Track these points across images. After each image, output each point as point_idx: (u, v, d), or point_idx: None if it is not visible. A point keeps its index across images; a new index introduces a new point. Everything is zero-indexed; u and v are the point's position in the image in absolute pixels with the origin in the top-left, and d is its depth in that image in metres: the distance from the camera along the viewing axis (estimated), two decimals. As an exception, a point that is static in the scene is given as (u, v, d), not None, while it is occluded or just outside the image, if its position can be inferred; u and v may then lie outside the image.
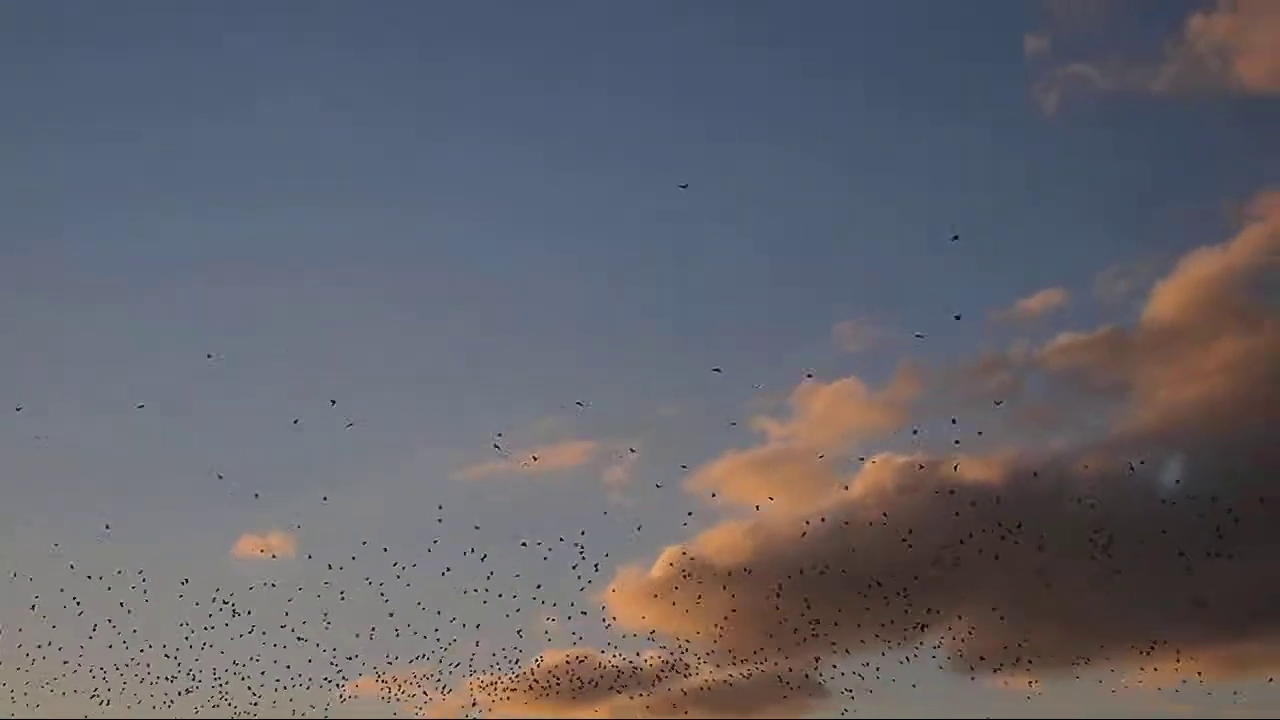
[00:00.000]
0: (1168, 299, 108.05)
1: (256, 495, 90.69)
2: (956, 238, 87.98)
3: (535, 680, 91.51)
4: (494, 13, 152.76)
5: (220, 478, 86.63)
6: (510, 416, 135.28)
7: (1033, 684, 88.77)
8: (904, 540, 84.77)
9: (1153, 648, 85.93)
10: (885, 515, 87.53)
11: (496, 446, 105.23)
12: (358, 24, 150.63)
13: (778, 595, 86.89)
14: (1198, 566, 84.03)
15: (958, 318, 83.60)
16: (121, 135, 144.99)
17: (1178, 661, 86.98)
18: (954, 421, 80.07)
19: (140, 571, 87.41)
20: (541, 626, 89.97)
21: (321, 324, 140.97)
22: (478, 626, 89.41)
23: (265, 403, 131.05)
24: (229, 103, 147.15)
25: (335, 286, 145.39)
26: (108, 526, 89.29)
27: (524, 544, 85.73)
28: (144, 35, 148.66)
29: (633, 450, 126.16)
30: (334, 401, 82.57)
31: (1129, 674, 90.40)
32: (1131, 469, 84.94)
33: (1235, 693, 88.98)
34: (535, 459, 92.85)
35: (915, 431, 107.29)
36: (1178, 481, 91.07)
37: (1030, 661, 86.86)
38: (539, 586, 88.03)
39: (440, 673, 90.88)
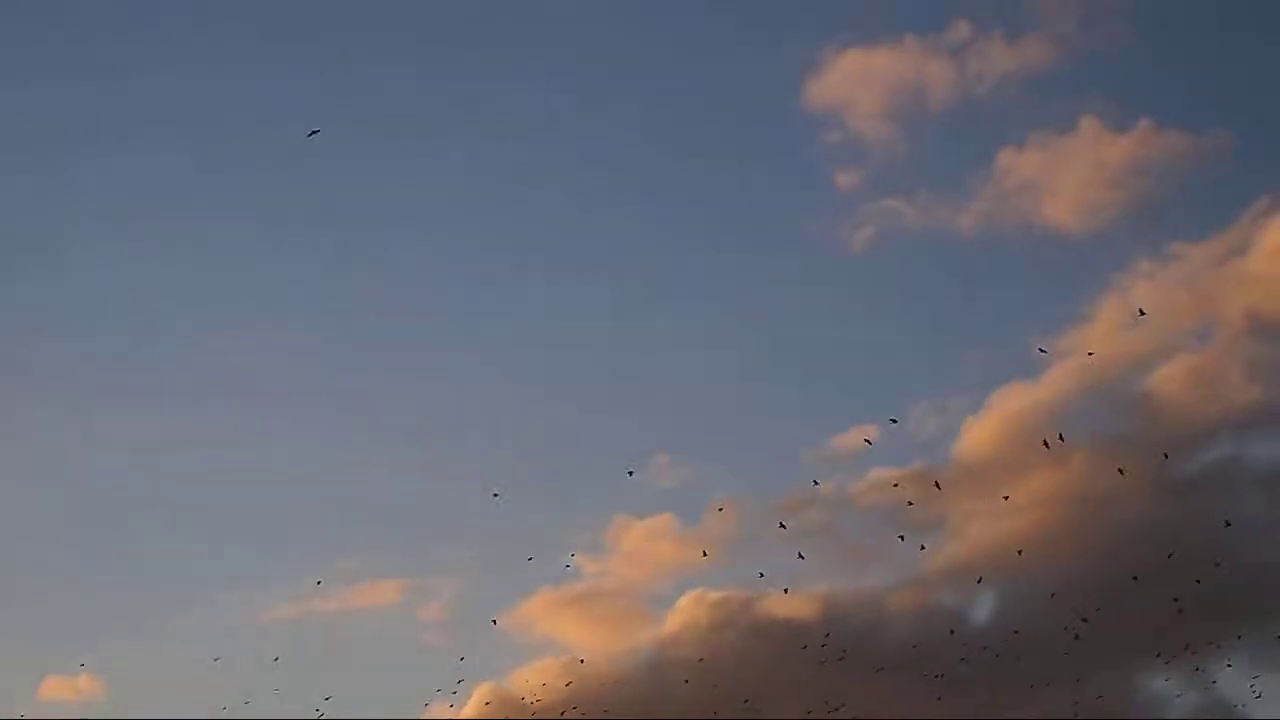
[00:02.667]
0: (978, 434, 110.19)
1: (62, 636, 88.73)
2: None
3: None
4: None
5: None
6: (321, 555, 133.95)
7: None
8: (719, 676, 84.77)
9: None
10: (702, 659, 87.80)
11: (319, 582, 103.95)
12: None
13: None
14: (1010, 702, 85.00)
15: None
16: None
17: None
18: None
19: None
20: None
21: (131, 461, 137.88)
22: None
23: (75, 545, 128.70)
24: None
25: (140, 424, 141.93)
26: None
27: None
28: None
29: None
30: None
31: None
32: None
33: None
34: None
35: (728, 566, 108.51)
36: (988, 615, 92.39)
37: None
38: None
39: None
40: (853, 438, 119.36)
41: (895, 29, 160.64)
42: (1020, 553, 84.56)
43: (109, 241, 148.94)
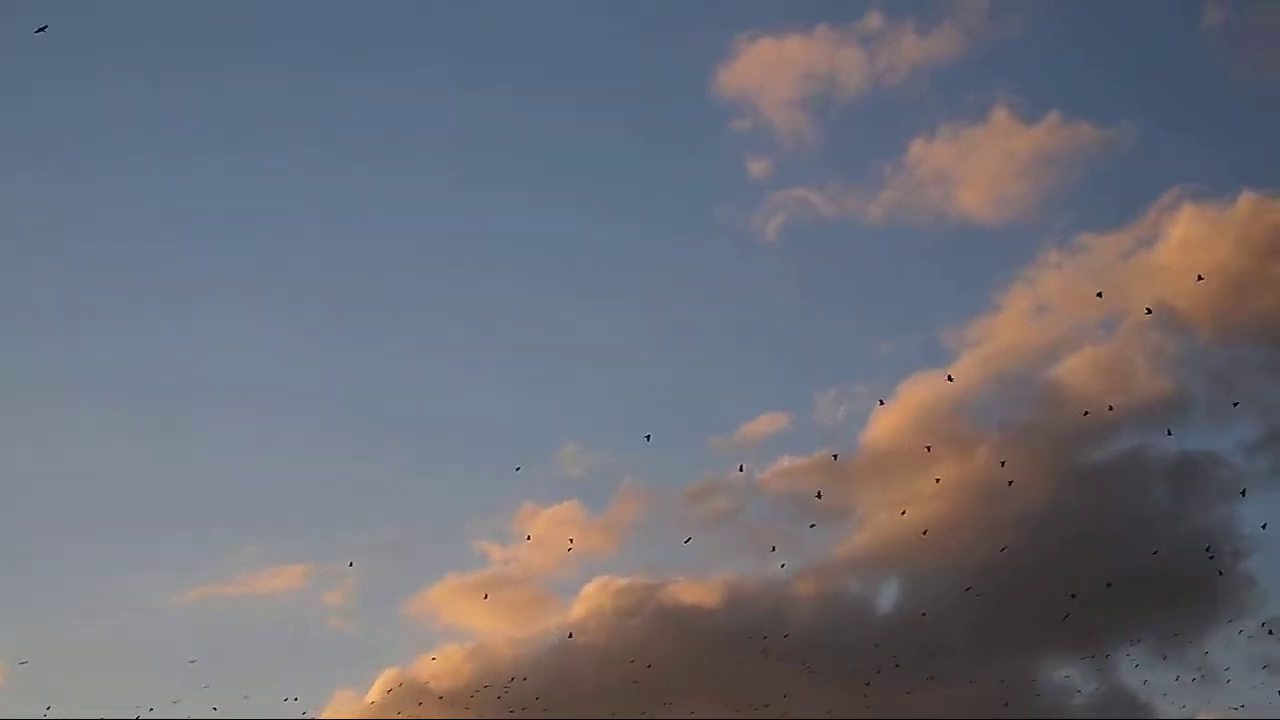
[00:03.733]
0: (886, 424, 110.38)
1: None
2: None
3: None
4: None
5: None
6: (226, 541, 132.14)
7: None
8: (630, 661, 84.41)
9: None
10: (605, 637, 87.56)
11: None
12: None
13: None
14: (913, 685, 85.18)
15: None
16: None
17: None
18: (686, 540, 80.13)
19: None
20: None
21: (35, 449, 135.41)
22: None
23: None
24: None
25: (44, 413, 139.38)
26: None
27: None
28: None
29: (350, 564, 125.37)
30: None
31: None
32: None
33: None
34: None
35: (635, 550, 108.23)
36: (893, 603, 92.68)
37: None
38: (254, 711, 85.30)
39: None
40: (761, 425, 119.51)
41: (807, 18, 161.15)
42: (925, 533, 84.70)
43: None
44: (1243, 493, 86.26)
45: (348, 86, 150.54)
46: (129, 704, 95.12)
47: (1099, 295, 67.71)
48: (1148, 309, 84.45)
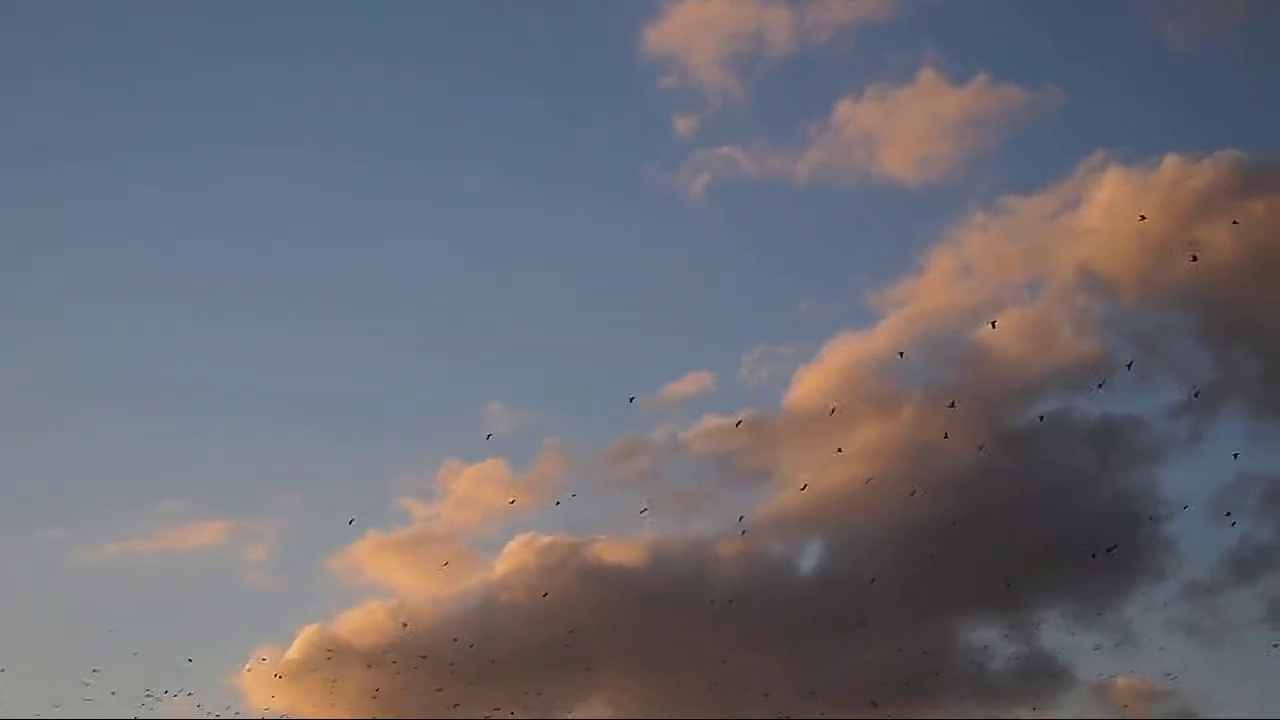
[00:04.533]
0: (811, 384, 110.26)
1: None
2: None
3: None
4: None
5: None
6: (144, 496, 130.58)
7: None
8: (546, 620, 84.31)
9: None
10: (528, 595, 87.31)
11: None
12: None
13: (418, 677, 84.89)
14: (835, 647, 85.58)
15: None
16: None
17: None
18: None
19: None
20: (172, 710, 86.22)
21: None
22: (115, 712, 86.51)
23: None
24: None
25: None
26: None
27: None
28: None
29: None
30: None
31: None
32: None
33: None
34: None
35: (558, 502, 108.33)
36: (816, 563, 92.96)
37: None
38: (172, 668, 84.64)
39: None
40: (685, 385, 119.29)
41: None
42: (850, 499, 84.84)
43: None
44: None
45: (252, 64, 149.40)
46: (34, 664, 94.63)
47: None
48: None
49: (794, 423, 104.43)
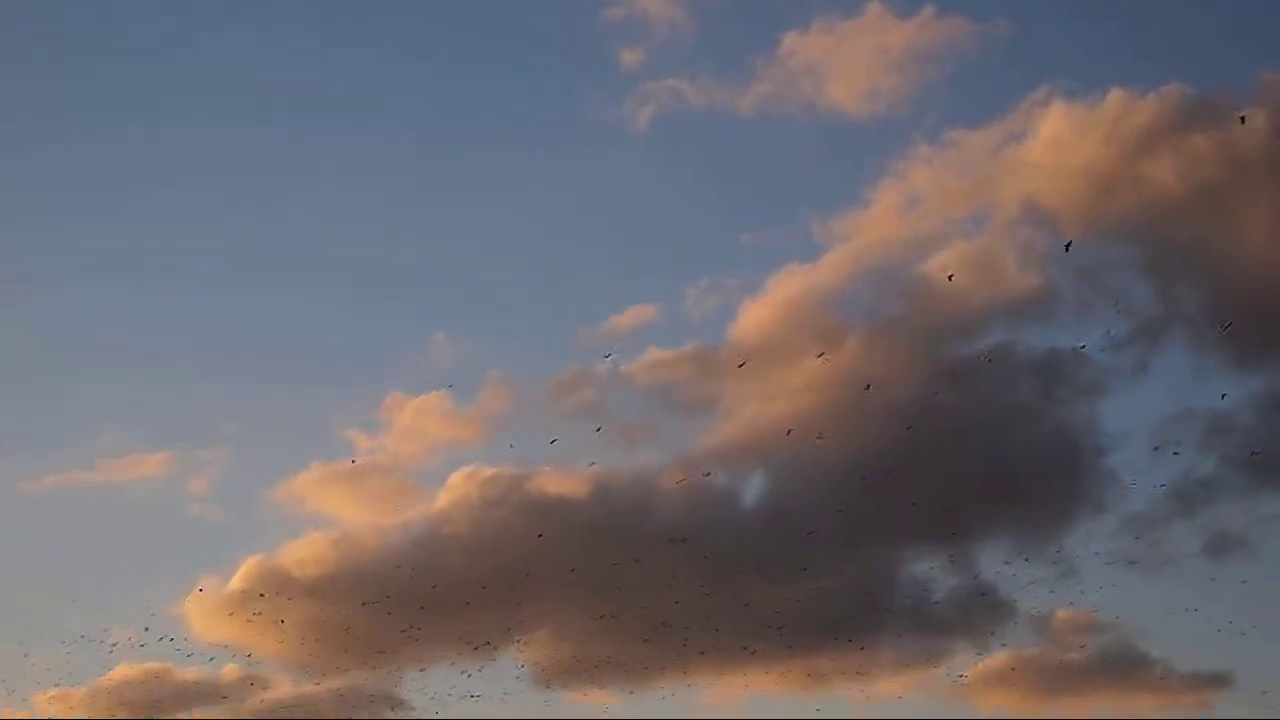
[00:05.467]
0: (755, 316, 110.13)
1: None
2: None
3: (109, 694, 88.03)
4: None
5: None
6: (85, 426, 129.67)
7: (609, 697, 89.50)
8: (489, 552, 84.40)
9: (729, 661, 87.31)
10: (471, 527, 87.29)
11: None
12: None
13: (361, 608, 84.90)
14: (777, 581, 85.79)
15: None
16: None
17: (752, 675, 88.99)
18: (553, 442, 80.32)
19: None
20: (115, 640, 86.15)
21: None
22: (56, 642, 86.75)
23: None
24: None
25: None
26: None
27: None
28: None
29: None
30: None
31: (706, 687, 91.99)
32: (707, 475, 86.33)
33: (818, 710, 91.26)
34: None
35: (512, 446, 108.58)
36: (758, 495, 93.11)
37: (609, 674, 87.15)
38: (114, 599, 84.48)
39: (7, 689, 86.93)
40: (630, 317, 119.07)
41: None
42: (789, 433, 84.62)
43: None
44: None
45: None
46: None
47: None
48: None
49: (738, 355, 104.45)
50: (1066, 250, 73.43)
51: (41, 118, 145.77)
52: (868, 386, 78.61)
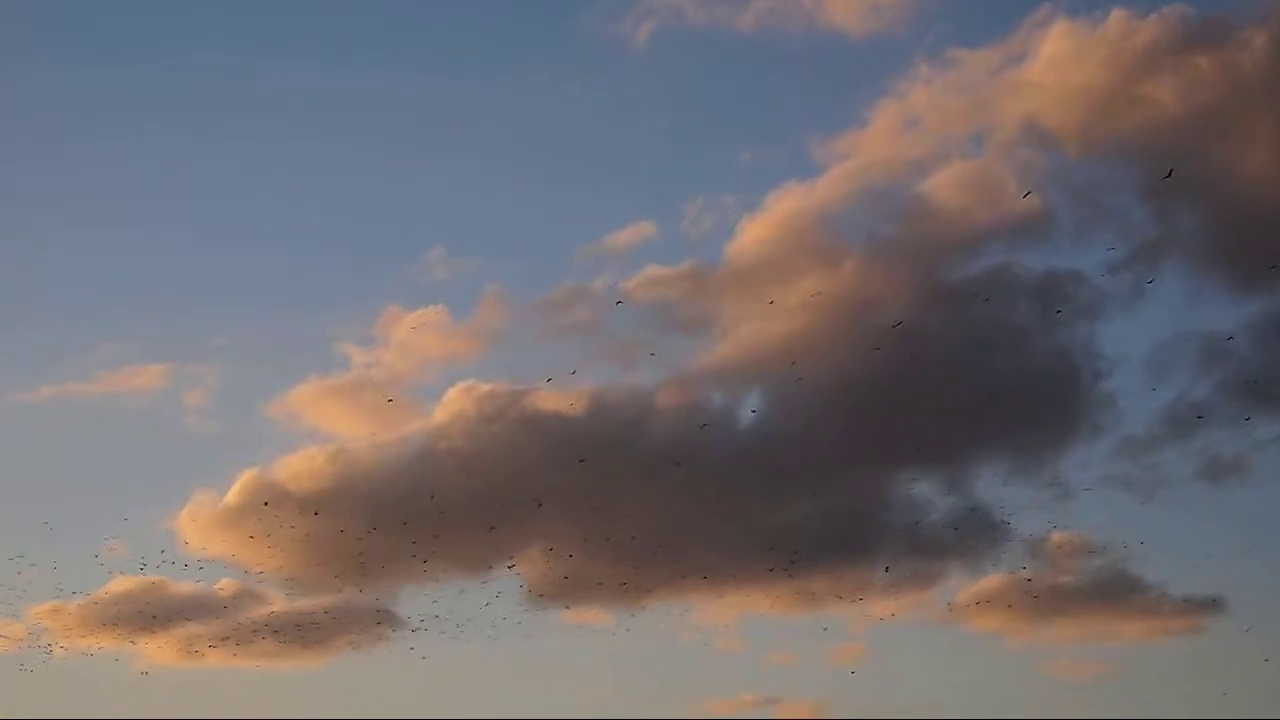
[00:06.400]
0: (753, 235, 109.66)
1: None
2: None
3: (104, 608, 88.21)
4: None
5: None
6: (82, 337, 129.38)
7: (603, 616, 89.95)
8: (488, 466, 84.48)
9: (723, 581, 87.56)
10: (467, 442, 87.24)
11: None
12: None
13: (356, 523, 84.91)
14: (771, 501, 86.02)
15: None
16: None
17: (746, 594, 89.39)
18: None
19: None
20: (111, 553, 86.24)
21: None
22: (50, 554, 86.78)
23: None
24: None
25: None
26: None
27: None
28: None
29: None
30: None
31: (700, 607, 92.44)
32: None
33: (826, 629, 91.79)
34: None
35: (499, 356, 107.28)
36: (753, 412, 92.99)
37: (601, 594, 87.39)
38: (109, 512, 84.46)
39: (2, 602, 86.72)
40: (627, 235, 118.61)
41: None
42: (794, 364, 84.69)
43: None
44: None
45: None
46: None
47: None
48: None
49: (736, 274, 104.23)
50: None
51: (44, 48, 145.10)
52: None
